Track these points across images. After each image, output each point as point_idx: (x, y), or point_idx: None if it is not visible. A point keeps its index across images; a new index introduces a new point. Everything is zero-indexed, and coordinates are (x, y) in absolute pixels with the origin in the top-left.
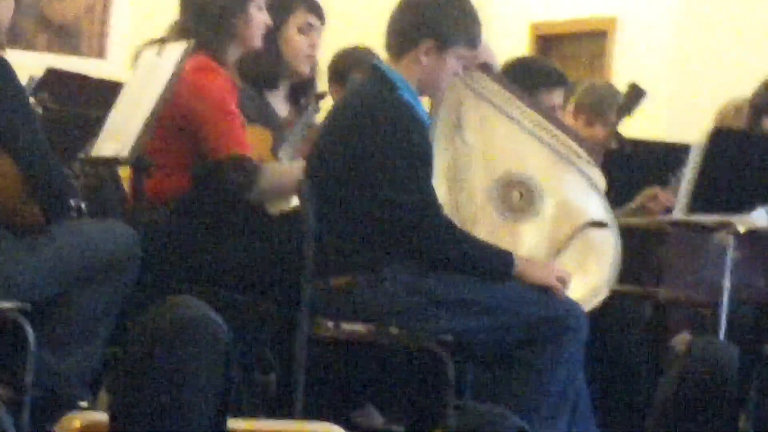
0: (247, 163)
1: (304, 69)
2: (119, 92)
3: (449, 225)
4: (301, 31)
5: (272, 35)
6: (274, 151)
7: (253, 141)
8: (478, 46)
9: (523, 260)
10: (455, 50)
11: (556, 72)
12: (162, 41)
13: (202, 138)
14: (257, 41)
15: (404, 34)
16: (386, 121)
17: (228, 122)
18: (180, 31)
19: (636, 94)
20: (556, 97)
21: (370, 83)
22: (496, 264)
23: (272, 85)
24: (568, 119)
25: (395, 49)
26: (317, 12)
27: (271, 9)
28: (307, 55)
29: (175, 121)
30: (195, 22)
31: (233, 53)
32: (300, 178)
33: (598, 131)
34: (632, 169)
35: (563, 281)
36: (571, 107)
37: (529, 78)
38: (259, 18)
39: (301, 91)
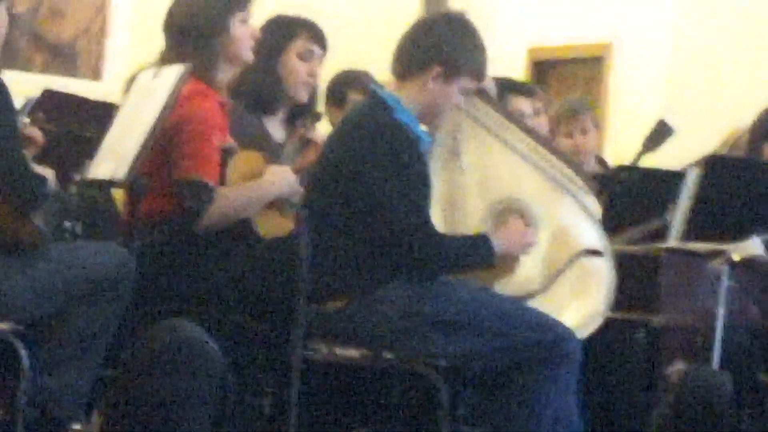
0: (203, 190)
1: (302, 96)
2: (115, 114)
3: (439, 242)
4: (301, 57)
5: (273, 60)
6: None
7: (246, 166)
8: (483, 79)
9: (498, 243)
10: (461, 80)
11: (522, 83)
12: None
13: (174, 159)
14: (246, 55)
15: (414, 57)
16: (381, 143)
17: (200, 147)
18: (167, 58)
19: (663, 130)
20: (522, 103)
21: (366, 106)
22: (481, 260)
23: (270, 110)
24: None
25: (402, 71)
26: (319, 40)
27: (273, 33)
28: (305, 83)
29: (164, 143)
30: (179, 47)
31: (224, 71)
32: (259, 199)
33: (579, 140)
34: (627, 195)
35: (532, 236)
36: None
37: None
38: (243, 32)
39: (299, 116)
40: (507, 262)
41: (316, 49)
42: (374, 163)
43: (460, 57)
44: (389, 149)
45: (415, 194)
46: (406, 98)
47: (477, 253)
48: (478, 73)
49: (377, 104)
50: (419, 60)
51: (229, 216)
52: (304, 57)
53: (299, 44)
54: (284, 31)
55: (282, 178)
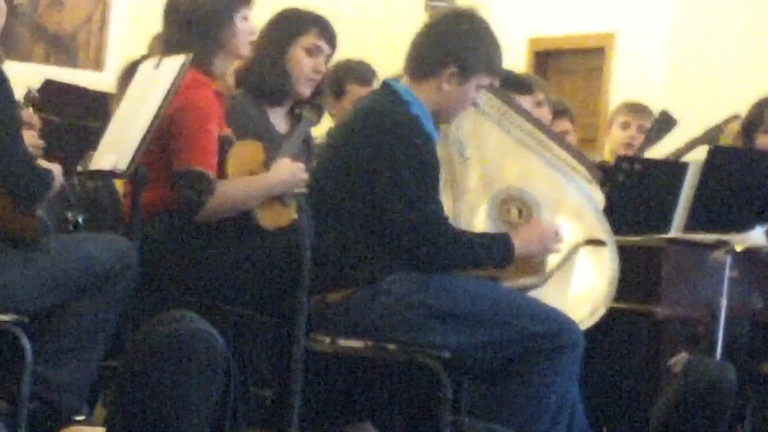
0: (203, 181)
1: (304, 91)
2: (116, 104)
3: (454, 235)
4: (308, 52)
5: (280, 52)
6: (267, 165)
7: (245, 154)
8: (499, 76)
9: (518, 240)
10: (477, 78)
11: (520, 78)
12: (147, 57)
13: (173, 149)
14: (245, 50)
15: (428, 58)
16: (399, 136)
17: (198, 137)
18: (166, 44)
19: (666, 121)
20: (522, 101)
21: (381, 99)
22: (497, 259)
23: (275, 101)
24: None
25: (417, 72)
26: (328, 38)
27: (283, 25)
28: (309, 78)
29: (163, 134)
30: (181, 35)
31: (222, 64)
32: (261, 193)
33: (567, 125)
34: (629, 186)
35: (556, 237)
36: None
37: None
38: (245, 27)
39: (301, 109)
40: (533, 264)
41: (324, 45)
42: (393, 155)
43: (475, 56)
44: (407, 142)
45: (431, 187)
46: (421, 97)
47: (492, 252)
48: (493, 69)
49: (392, 97)
50: (433, 61)
51: (229, 208)
52: (311, 52)
53: (308, 39)
54: (294, 24)
55: (288, 173)
